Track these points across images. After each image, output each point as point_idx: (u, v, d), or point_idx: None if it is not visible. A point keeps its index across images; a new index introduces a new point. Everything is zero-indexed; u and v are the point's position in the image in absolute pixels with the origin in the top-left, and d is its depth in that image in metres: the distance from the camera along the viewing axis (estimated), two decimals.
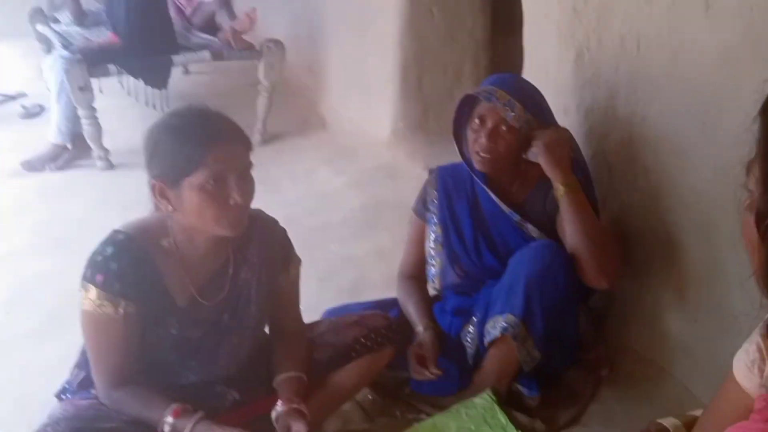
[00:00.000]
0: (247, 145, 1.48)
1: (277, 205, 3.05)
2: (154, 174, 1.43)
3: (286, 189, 3.40)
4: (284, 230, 1.68)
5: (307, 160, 3.73)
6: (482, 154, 1.78)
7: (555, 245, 1.75)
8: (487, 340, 1.75)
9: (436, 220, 1.95)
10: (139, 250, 1.45)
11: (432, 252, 1.95)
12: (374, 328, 1.73)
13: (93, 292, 1.42)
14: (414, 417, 1.81)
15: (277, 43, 3.83)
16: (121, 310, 1.42)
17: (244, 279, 1.58)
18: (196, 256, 1.50)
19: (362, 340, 1.70)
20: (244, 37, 3.90)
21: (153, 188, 1.43)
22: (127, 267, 1.43)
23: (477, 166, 1.82)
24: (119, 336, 1.44)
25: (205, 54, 3.84)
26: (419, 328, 1.85)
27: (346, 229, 2.96)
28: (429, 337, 1.82)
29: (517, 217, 1.84)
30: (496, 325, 1.73)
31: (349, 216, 3.06)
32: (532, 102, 1.81)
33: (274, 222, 1.66)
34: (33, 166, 3.65)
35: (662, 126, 1.77)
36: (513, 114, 1.74)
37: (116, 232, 1.47)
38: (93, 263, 1.44)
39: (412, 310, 1.91)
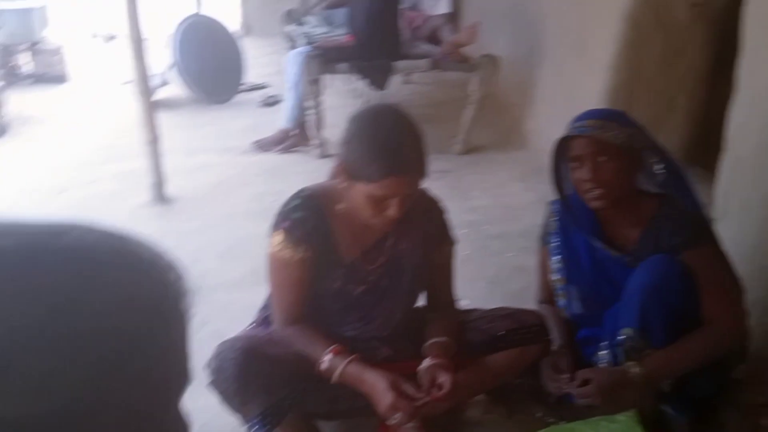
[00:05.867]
0: (422, 175, 1.58)
1: (463, 210, 3.26)
2: (341, 158, 1.60)
3: (475, 197, 3.53)
4: (444, 209, 1.80)
5: (501, 173, 3.83)
6: (592, 192, 1.73)
7: (669, 257, 1.66)
8: (620, 360, 1.72)
9: (557, 252, 1.93)
10: (318, 207, 1.66)
11: (556, 284, 1.94)
12: (526, 324, 1.78)
13: (279, 236, 1.65)
14: (553, 420, 1.83)
15: (493, 59, 3.98)
16: (299, 254, 1.64)
17: (403, 249, 1.73)
18: (362, 225, 1.67)
19: (512, 332, 1.77)
20: (463, 50, 4.10)
21: (336, 164, 1.61)
22: (307, 218, 1.64)
23: (592, 205, 1.76)
24: (296, 277, 1.66)
25: (424, 62, 4.10)
26: (554, 346, 1.86)
27: (524, 242, 3.00)
28: (563, 351, 1.83)
29: (628, 260, 1.77)
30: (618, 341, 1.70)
31: (530, 230, 3.08)
32: (625, 119, 1.77)
33: (436, 202, 1.79)
34: (262, 146, 4.18)
35: None
36: (610, 133, 1.70)
37: (302, 189, 1.70)
38: (281, 212, 1.68)
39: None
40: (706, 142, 3.34)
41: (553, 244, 1.95)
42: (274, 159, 4.06)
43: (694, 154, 3.36)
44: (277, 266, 1.68)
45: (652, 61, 3.26)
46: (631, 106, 3.30)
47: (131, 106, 3.45)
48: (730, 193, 2.23)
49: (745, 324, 1.67)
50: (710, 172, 3.17)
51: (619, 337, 1.70)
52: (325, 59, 3.88)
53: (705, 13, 3.21)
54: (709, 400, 1.76)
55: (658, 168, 1.76)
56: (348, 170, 1.57)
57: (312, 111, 3.97)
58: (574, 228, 1.88)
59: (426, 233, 1.74)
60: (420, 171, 1.56)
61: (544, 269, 2.02)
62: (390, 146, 1.52)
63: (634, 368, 1.63)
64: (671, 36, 3.23)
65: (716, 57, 3.30)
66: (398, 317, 1.76)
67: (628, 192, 1.78)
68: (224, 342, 1.64)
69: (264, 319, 1.85)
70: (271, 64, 5.96)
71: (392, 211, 1.55)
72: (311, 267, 1.67)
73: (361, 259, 1.71)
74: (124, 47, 3.41)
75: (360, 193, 1.56)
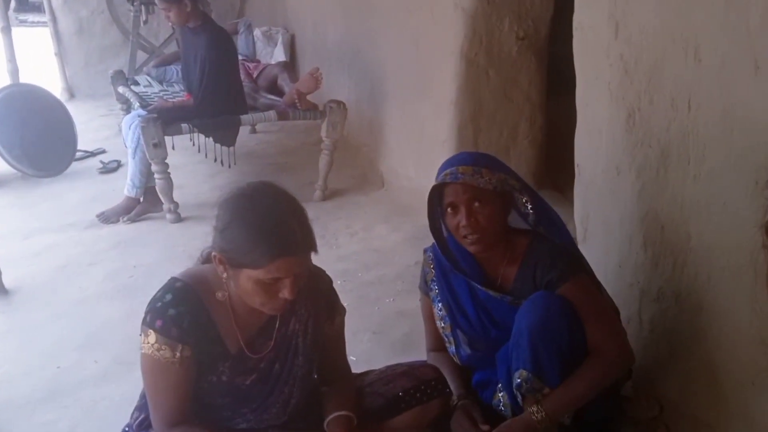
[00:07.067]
0: (312, 250, 1.49)
1: (335, 259, 3.20)
2: (218, 248, 1.47)
3: (344, 243, 3.49)
4: (330, 280, 1.73)
5: (365, 216, 3.83)
6: (470, 236, 1.75)
7: (550, 293, 1.72)
8: (521, 402, 1.74)
9: (439, 299, 1.94)
10: (195, 299, 1.52)
11: (442, 331, 1.94)
12: (424, 380, 1.75)
13: (152, 336, 1.49)
14: None
15: (340, 104, 4.00)
16: (178, 354, 1.48)
17: (293, 330, 1.63)
18: (246, 311, 1.56)
19: (411, 391, 1.73)
20: (309, 98, 4.09)
21: (214, 257, 1.49)
22: (184, 314, 1.49)
23: (471, 249, 1.80)
24: (176, 378, 1.51)
25: (272, 114, 4.03)
26: (453, 399, 1.85)
27: (401, 284, 3.01)
28: (467, 405, 1.83)
29: (509, 299, 1.81)
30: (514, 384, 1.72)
31: (404, 271, 3.12)
32: (496, 164, 1.83)
33: (321, 272, 1.71)
34: (107, 218, 3.88)
35: (714, 185, 1.78)
36: (483, 179, 1.74)
37: (174, 279, 1.55)
38: (152, 309, 1.51)
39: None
40: (553, 164, 3.56)
41: (434, 292, 1.95)
42: (123, 230, 3.78)
43: (543, 178, 3.56)
44: (153, 368, 1.52)
45: (490, 94, 3.43)
46: (478, 139, 3.46)
47: None
48: (589, 216, 2.35)
49: (629, 346, 1.75)
50: (560, 192, 3.38)
51: (516, 381, 1.71)
52: (164, 121, 3.70)
53: (531, 45, 3.43)
54: (607, 423, 1.82)
55: (528, 207, 1.81)
56: (229, 259, 1.46)
57: (159, 175, 3.76)
58: (454, 273, 1.89)
59: (315, 308, 1.66)
60: (308, 246, 1.48)
61: (429, 318, 2.00)
62: (272, 226, 1.43)
63: (537, 413, 1.64)
64: (504, 69, 3.42)
65: (549, 82, 3.54)
66: (296, 403, 1.65)
67: (504, 230, 1.82)
68: None
69: (140, 423, 1.66)
70: (106, 127, 5.62)
71: (286, 293, 1.46)
72: (192, 365, 1.52)
73: (248, 347, 1.59)
74: None
75: (247, 280, 1.45)
